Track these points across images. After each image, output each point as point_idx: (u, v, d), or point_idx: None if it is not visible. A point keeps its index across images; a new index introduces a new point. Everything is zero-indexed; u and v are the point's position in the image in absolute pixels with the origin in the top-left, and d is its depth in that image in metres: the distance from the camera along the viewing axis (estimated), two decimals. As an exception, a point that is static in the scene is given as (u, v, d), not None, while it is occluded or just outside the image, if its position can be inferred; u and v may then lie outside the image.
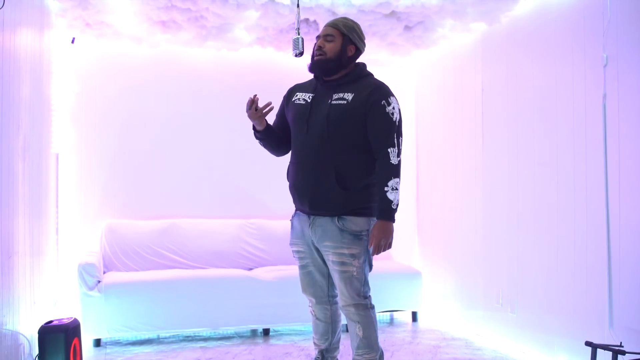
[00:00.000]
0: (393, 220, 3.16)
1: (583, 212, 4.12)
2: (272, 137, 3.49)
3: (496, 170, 5.06)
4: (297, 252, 3.46)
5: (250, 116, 3.34)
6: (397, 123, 3.21)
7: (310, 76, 3.46)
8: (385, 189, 3.13)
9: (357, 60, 3.41)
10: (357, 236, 3.20)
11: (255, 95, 3.32)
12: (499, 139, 5.03)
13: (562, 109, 4.32)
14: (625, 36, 3.78)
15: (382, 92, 3.23)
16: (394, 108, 3.21)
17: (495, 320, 5.04)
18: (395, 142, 3.18)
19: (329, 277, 3.42)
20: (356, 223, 3.20)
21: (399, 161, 3.18)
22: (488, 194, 5.18)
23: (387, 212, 3.13)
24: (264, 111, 3.34)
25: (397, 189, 3.14)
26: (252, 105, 3.31)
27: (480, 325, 5.26)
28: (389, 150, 3.16)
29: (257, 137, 3.48)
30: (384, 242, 3.15)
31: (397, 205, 3.16)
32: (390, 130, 3.18)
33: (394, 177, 3.14)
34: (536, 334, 4.56)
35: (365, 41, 3.43)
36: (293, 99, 3.43)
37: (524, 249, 4.70)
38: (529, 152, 4.67)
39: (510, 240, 4.87)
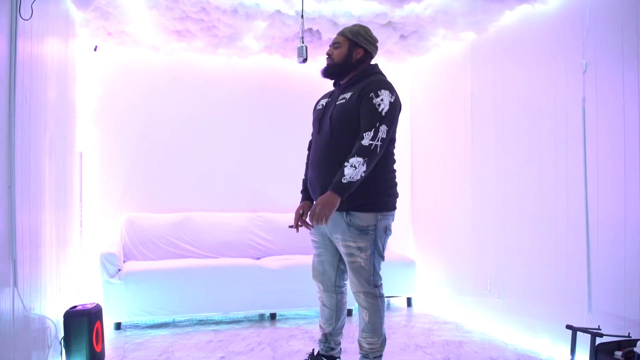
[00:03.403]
0: (339, 194, 3.00)
1: (564, 206, 4.11)
2: None
3: (484, 167, 5.05)
4: (314, 241, 3.46)
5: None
6: (382, 113, 3.07)
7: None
8: (346, 163, 3.01)
9: (372, 61, 3.38)
10: (363, 231, 3.15)
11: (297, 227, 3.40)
12: (487, 139, 5.02)
13: (544, 111, 4.31)
14: (603, 45, 3.77)
15: (374, 86, 3.15)
16: (382, 100, 3.09)
17: (483, 306, 5.04)
18: (374, 128, 3.04)
19: (337, 269, 3.42)
20: (362, 218, 3.14)
21: (371, 145, 3.01)
22: (477, 190, 5.17)
23: (336, 184, 3.01)
24: (304, 224, 3.38)
25: (356, 167, 2.98)
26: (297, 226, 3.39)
27: (470, 310, 5.25)
28: (364, 133, 3.04)
29: None
30: (319, 210, 3.01)
31: (350, 181, 2.98)
32: (372, 118, 3.06)
33: (357, 156, 3.00)
34: (521, 318, 4.55)
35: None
36: (316, 107, 3.46)
37: (510, 240, 4.70)
38: (514, 151, 4.66)
39: (497, 232, 4.87)
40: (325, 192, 3.16)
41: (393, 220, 3.29)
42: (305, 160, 3.58)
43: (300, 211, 3.43)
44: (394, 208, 3.28)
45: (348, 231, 3.16)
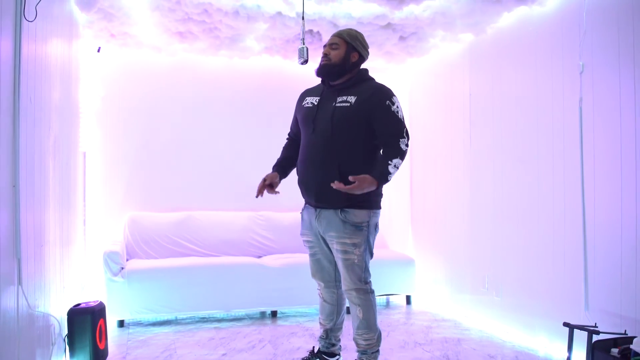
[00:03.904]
0: (379, 185, 3.12)
1: (561, 205, 4.11)
2: (289, 167, 3.55)
3: (482, 167, 5.05)
4: (307, 241, 3.47)
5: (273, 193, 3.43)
6: (402, 119, 3.22)
7: (318, 81, 3.48)
8: (389, 162, 3.11)
9: (362, 67, 3.42)
10: (358, 227, 3.20)
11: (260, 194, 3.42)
12: (484, 139, 5.02)
13: (542, 111, 4.31)
14: (599, 46, 3.77)
15: (384, 94, 3.23)
16: (397, 107, 3.21)
17: (482, 303, 5.04)
18: (405, 135, 3.19)
19: (335, 263, 3.43)
20: (357, 215, 3.20)
21: (406, 150, 3.18)
22: (475, 189, 5.17)
23: (381, 176, 3.10)
24: (268, 191, 3.41)
25: (397, 167, 3.13)
26: (261, 192, 3.41)
27: (468, 308, 5.26)
28: (400, 140, 3.16)
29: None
30: (359, 190, 3.04)
31: (389, 179, 3.13)
32: (399, 126, 3.19)
33: (399, 158, 3.14)
34: (518, 315, 4.55)
35: (364, 50, 3.42)
36: (303, 103, 3.46)
37: (508, 239, 4.70)
38: (512, 151, 4.66)
39: (494, 231, 4.87)
40: (324, 193, 3.19)
41: (379, 217, 3.37)
42: (281, 152, 3.63)
43: (266, 180, 3.42)
44: (381, 207, 3.37)
45: (343, 228, 3.20)
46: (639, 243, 3.46)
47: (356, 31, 3.40)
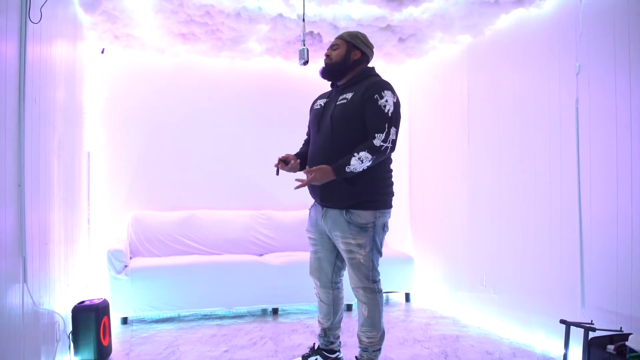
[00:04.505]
0: (336, 176, 3.06)
1: (558, 204, 4.11)
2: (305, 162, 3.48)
3: (480, 166, 5.05)
4: (310, 238, 3.47)
5: (287, 170, 3.37)
6: (389, 114, 3.10)
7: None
8: (355, 154, 3.04)
9: (369, 65, 3.40)
10: (363, 228, 3.17)
11: (277, 167, 3.35)
12: (482, 138, 5.02)
13: (539, 111, 4.31)
14: (595, 47, 3.77)
15: (377, 87, 3.16)
16: (386, 101, 3.11)
17: (480, 301, 5.04)
18: (386, 130, 3.07)
19: (334, 265, 3.42)
20: (362, 216, 3.17)
21: (381, 146, 3.06)
22: (473, 188, 5.17)
23: (339, 167, 3.06)
24: (286, 168, 3.35)
25: (362, 161, 3.03)
26: (279, 168, 3.34)
27: (466, 305, 5.26)
28: (376, 134, 3.07)
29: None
30: (319, 176, 3.05)
31: (351, 171, 3.04)
32: (380, 120, 3.08)
33: (367, 152, 3.04)
34: (516, 312, 4.56)
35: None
36: (314, 106, 3.47)
37: (505, 237, 4.70)
38: (509, 151, 4.66)
39: (492, 229, 4.87)
40: (328, 193, 3.19)
41: (389, 217, 3.31)
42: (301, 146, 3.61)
43: (284, 158, 3.39)
44: (391, 206, 3.30)
45: (348, 228, 3.18)
46: (634, 241, 3.46)
47: (357, 31, 3.40)
